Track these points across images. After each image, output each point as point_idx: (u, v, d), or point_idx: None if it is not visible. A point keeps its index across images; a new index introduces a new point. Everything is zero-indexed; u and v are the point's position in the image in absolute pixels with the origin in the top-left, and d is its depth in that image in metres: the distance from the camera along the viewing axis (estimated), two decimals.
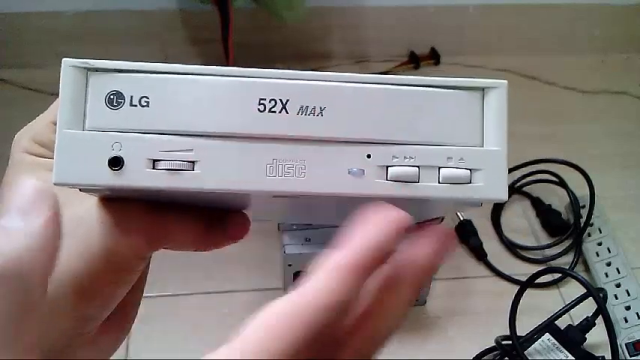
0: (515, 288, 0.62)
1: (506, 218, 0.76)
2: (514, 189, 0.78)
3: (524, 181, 0.77)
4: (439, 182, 0.25)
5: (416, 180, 0.25)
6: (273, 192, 0.25)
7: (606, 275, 0.68)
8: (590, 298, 0.58)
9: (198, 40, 0.95)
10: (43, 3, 0.90)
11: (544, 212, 0.76)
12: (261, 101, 0.25)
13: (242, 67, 0.26)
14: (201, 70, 0.25)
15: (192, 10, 0.92)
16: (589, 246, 0.71)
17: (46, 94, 0.91)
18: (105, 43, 0.94)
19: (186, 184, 0.25)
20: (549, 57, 1.02)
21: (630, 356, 0.61)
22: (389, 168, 0.25)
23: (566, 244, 0.72)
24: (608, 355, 0.58)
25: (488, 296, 0.68)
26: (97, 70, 0.25)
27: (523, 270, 0.70)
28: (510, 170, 0.78)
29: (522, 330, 0.60)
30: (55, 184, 0.24)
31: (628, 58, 1.03)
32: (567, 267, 0.70)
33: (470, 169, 0.26)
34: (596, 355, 0.60)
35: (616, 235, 0.70)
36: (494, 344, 0.61)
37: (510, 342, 0.59)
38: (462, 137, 0.26)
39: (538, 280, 0.63)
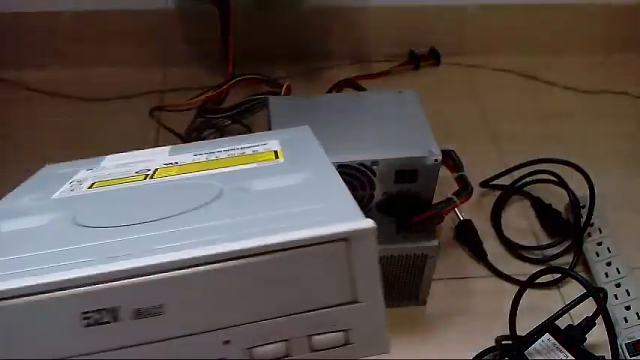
0: (515, 288, 0.62)
1: (506, 218, 0.77)
2: (514, 189, 0.78)
3: (524, 181, 0.77)
4: (312, 351, 0.22)
5: (285, 354, 0.22)
6: None
7: (606, 275, 0.68)
8: (590, 298, 0.58)
9: (198, 41, 0.95)
10: (43, 3, 0.90)
11: (544, 212, 0.76)
12: (86, 316, 0.20)
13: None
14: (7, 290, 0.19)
15: (193, 10, 0.92)
16: (589, 246, 0.71)
17: (46, 95, 0.91)
18: (104, 43, 0.94)
19: None
20: (549, 57, 1.02)
21: (630, 356, 0.61)
22: (253, 349, 0.22)
23: (566, 244, 0.72)
24: (608, 355, 0.58)
25: (488, 296, 0.68)
26: None
27: (523, 270, 0.70)
28: (510, 170, 0.79)
29: (522, 330, 0.60)
30: None
31: (628, 58, 1.03)
32: (567, 267, 0.70)
33: (345, 330, 0.22)
34: (596, 355, 0.60)
35: (616, 235, 0.70)
36: (494, 344, 0.61)
37: (510, 342, 0.60)
38: (332, 297, 0.22)
39: (538, 280, 0.63)
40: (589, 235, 0.72)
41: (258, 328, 0.21)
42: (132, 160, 0.39)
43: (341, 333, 0.22)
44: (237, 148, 0.36)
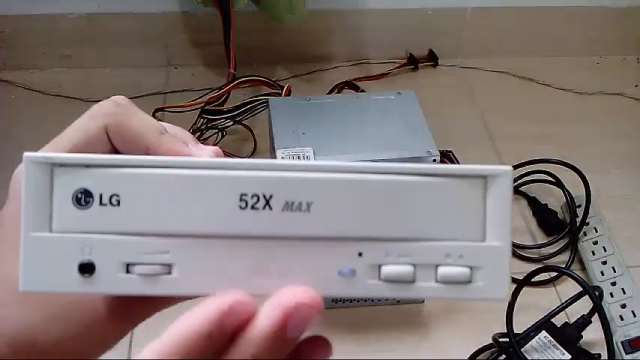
0: (512, 286, 0.63)
1: None
2: None
3: (520, 180, 0.78)
4: (436, 282, 0.23)
5: (411, 280, 0.23)
6: (258, 295, 0.22)
7: (602, 274, 0.69)
8: (586, 296, 0.59)
9: (200, 43, 0.96)
10: (47, 5, 0.91)
11: (540, 211, 0.77)
12: (243, 197, 0.22)
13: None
14: (177, 162, 0.23)
15: (194, 12, 0.92)
16: (585, 245, 0.72)
17: (49, 96, 0.92)
18: (107, 45, 0.95)
19: (163, 289, 0.23)
20: (546, 58, 1.02)
21: (626, 354, 0.61)
22: (382, 267, 0.23)
23: (562, 243, 0.73)
24: (604, 352, 0.59)
25: None
26: (61, 165, 0.22)
27: (520, 268, 0.71)
28: None
29: (519, 328, 0.61)
30: (21, 291, 0.22)
31: (624, 59, 1.04)
32: (563, 266, 0.71)
33: (470, 267, 0.23)
34: (592, 352, 0.61)
35: (611, 234, 0.71)
36: (491, 342, 0.61)
37: (507, 339, 0.60)
38: (462, 231, 0.23)
39: (534, 279, 0.64)
40: (585, 234, 0.72)
41: (390, 247, 0.23)
42: None
43: (467, 269, 0.23)
44: None
